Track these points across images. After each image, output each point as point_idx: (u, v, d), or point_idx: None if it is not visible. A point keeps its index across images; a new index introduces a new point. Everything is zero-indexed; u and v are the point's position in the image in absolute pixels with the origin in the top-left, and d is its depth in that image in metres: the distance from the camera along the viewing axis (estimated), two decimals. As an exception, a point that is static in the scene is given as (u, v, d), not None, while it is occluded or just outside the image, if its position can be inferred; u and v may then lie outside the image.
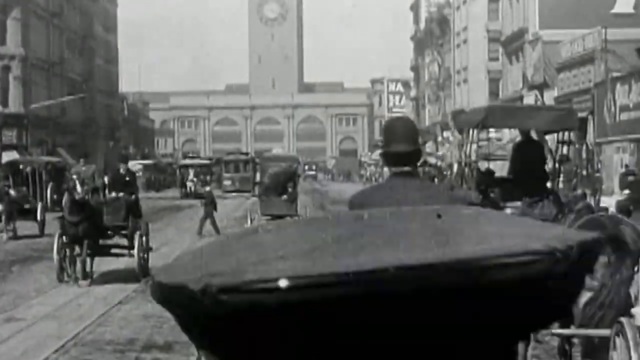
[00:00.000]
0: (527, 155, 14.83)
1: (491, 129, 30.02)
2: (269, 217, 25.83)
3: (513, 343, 2.93)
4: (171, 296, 2.59)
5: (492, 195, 14.51)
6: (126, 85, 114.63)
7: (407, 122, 4.77)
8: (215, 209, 29.00)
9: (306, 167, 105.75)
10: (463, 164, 16.20)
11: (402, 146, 4.42)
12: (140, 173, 70.93)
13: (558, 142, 15.77)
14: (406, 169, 4.44)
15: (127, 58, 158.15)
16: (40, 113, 64.55)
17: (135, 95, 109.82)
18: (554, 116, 15.41)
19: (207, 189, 33.18)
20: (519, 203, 14.07)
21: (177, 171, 65.25)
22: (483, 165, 17.44)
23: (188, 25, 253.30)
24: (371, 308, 2.42)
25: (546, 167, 15.32)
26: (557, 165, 15.74)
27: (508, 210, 13.64)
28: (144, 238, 18.55)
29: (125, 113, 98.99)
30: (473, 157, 16.30)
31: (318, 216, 4.62)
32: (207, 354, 2.71)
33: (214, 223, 28.49)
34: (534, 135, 15.66)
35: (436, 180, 34.88)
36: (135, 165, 73.21)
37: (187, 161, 69.34)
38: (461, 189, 15.16)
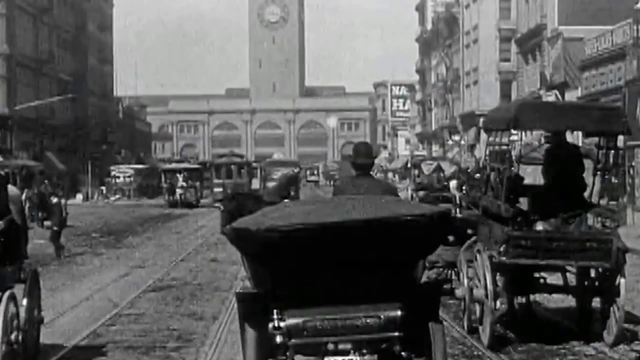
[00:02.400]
0: (562, 160, 12.86)
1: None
2: None
3: (410, 265, 6.76)
4: (240, 234, 6.31)
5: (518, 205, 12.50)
6: (124, 88, 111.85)
7: (367, 145, 8.65)
8: (64, 224, 24.30)
9: (308, 173, 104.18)
10: (488, 169, 13.90)
11: (364, 159, 8.34)
12: (132, 178, 67.64)
13: (599, 147, 13.43)
14: (365, 172, 8.32)
15: (126, 60, 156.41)
16: (26, 114, 62.34)
17: (132, 98, 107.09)
18: (601, 116, 12.89)
19: (55, 200, 26.26)
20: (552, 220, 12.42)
21: (162, 176, 58.42)
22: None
23: (188, 28, 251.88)
24: (340, 241, 6.30)
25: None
26: (599, 173, 13.29)
27: (539, 226, 12.33)
28: (24, 300, 10.33)
29: (120, 116, 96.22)
30: (496, 162, 13.98)
31: (316, 199, 9.01)
32: (257, 268, 6.60)
33: (55, 240, 23.45)
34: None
35: (464, 187, 31.42)
36: (126, 169, 69.99)
37: (173, 165, 63.71)
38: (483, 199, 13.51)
